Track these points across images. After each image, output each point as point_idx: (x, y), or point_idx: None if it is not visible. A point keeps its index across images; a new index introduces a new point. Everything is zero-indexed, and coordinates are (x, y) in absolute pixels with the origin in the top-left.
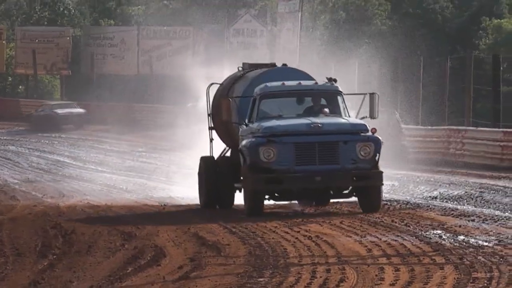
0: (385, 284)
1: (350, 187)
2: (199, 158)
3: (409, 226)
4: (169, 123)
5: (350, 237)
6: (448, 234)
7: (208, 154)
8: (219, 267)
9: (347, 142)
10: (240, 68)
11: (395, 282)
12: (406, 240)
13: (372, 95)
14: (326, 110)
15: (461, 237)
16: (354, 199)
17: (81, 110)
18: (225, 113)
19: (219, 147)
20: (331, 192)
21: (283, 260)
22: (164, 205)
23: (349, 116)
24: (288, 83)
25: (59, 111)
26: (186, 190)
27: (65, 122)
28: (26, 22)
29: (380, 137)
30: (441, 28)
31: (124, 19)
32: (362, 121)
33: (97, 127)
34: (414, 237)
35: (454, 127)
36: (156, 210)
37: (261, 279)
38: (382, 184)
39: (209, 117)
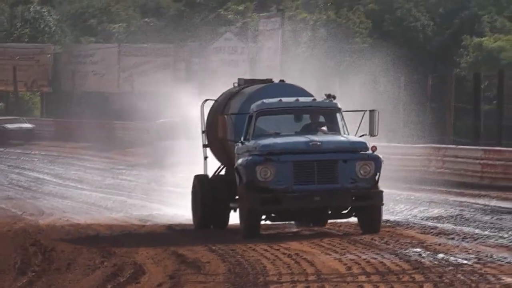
0: None
1: (350, 207)
2: (193, 176)
3: (388, 244)
4: (151, 140)
5: (330, 255)
6: (427, 252)
7: (202, 172)
8: (199, 285)
9: (346, 161)
10: (236, 84)
11: None
12: (385, 258)
13: (372, 112)
14: (325, 127)
15: (441, 255)
16: (353, 219)
17: (29, 125)
18: (221, 130)
19: (213, 165)
20: (330, 212)
21: (263, 278)
22: (144, 222)
23: (348, 134)
24: (286, 99)
25: (9, 126)
26: (166, 208)
27: (14, 137)
28: (6, 39)
29: (380, 156)
30: (422, 46)
31: (105, 37)
32: (361, 139)
33: (77, 144)
34: (394, 255)
35: (435, 145)
36: (136, 228)
37: None
38: (383, 204)
39: (203, 134)
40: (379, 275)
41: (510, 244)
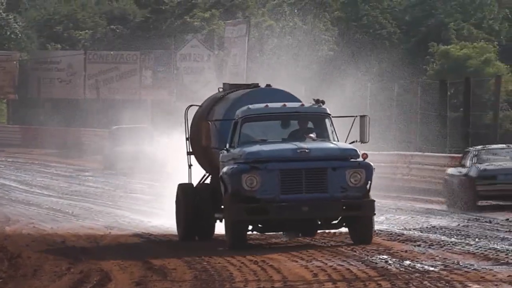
0: None
1: (340, 217)
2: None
3: (355, 251)
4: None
5: (296, 261)
6: (394, 259)
7: (186, 181)
8: None
9: (336, 169)
10: (221, 89)
11: None
12: (352, 265)
13: (362, 117)
14: (313, 134)
15: (407, 262)
16: (344, 229)
17: None
18: (204, 137)
19: (198, 174)
20: (319, 222)
21: (229, 285)
22: (110, 229)
23: (338, 141)
24: (272, 105)
25: None
26: (132, 214)
27: None
28: None
29: (371, 163)
30: (389, 54)
31: (71, 44)
32: (351, 146)
33: (43, 151)
34: (360, 262)
35: (401, 152)
36: (102, 235)
37: None
38: (374, 214)
39: (187, 142)
40: (346, 282)
41: (476, 251)
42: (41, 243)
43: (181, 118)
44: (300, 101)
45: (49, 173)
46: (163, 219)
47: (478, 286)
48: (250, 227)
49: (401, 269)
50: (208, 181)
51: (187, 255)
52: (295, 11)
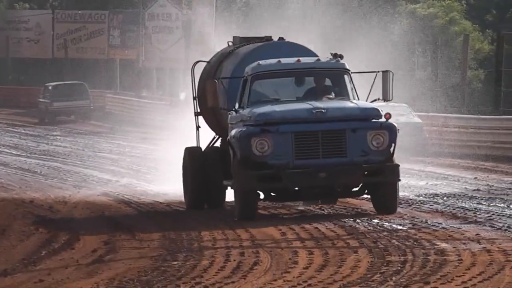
0: (299, 268)
1: (361, 184)
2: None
3: (323, 210)
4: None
5: (266, 221)
6: (362, 218)
7: (194, 144)
8: (133, 251)
9: (356, 130)
10: (231, 43)
11: (309, 265)
12: (320, 224)
13: (385, 73)
14: (331, 95)
15: (376, 221)
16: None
17: None
18: (211, 97)
19: (208, 136)
20: (338, 190)
21: (197, 244)
22: (79, 188)
23: (358, 99)
24: (285, 60)
25: None
26: (100, 174)
27: None
28: None
29: (395, 124)
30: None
31: (39, 3)
32: (373, 105)
33: (12, 111)
34: (328, 221)
35: None
36: (71, 194)
37: (175, 263)
38: (399, 180)
39: (195, 101)
40: (314, 241)
41: (444, 209)
42: (10, 203)
43: (149, 77)
44: (316, 56)
45: (18, 132)
46: (131, 178)
47: (446, 245)
48: (262, 196)
49: (370, 227)
50: (218, 144)
51: (155, 215)
52: None
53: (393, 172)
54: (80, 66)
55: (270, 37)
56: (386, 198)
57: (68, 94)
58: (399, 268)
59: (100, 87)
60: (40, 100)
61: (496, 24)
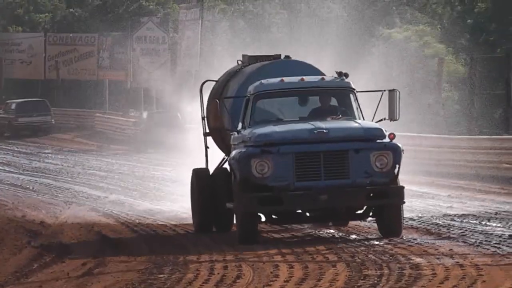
0: (280, 281)
1: (365, 207)
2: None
3: (303, 226)
4: (75, 126)
5: None
6: (340, 233)
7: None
8: (121, 264)
9: (359, 151)
10: (240, 62)
11: (290, 278)
12: (300, 239)
13: (392, 92)
14: (338, 112)
15: (353, 236)
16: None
17: None
18: (213, 117)
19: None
20: (342, 212)
21: (183, 258)
22: (69, 204)
23: (363, 119)
24: (288, 79)
25: None
26: (90, 190)
27: None
28: None
29: (400, 144)
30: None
31: (32, 26)
32: (377, 125)
33: None
34: (309, 236)
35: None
36: (61, 209)
37: (161, 275)
38: (404, 202)
39: (203, 121)
40: (294, 255)
41: (419, 226)
42: (2, 218)
43: (137, 98)
44: (323, 74)
45: (11, 150)
46: (119, 195)
47: (420, 259)
48: (263, 219)
49: (347, 242)
50: (227, 165)
51: (142, 230)
52: None
53: (398, 195)
54: (71, 87)
55: (279, 55)
56: (391, 221)
57: (31, 110)
58: (375, 281)
59: (90, 107)
60: (2, 116)
61: (470, 48)
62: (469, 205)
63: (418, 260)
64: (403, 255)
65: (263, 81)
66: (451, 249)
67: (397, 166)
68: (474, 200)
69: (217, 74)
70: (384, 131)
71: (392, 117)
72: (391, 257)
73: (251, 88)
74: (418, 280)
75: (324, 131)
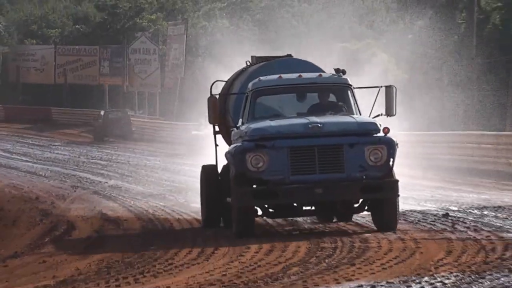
0: (251, 252)
1: (361, 200)
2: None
3: (305, 220)
4: (80, 123)
5: None
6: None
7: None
8: (118, 238)
9: (353, 145)
10: (249, 63)
11: (259, 250)
12: (270, 219)
13: (388, 88)
14: (336, 108)
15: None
16: None
17: None
18: (211, 114)
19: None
20: (338, 206)
21: (169, 233)
22: (75, 188)
23: (360, 114)
24: (286, 76)
25: None
26: (93, 176)
27: None
28: None
29: (394, 139)
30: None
31: (44, 40)
32: (371, 120)
33: (22, 126)
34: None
35: None
36: (68, 192)
37: (152, 247)
38: (398, 196)
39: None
40: (263, 231)
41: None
42: (19, 199)
43: (131, 99)
44: (322, 71)
45: (26, 143)
46: (117, 180)
47: (368, 235)
48: (260, 212)
49: (308, 221)
50: None
51: (136, 209)
52: (224, 14)
53: (392, 188)
54: (76, 90)
55: (290, 54)
56: (386, 215)
57: None
58: (331, 252)
59: (92, 107)
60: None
61: (411, 58)
62: (409, 189)
63: (366, 235)
64: (354, 231)
65: (261, 78)
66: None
67: (392, 160)
68: (416, 186)
69: (199, 80)
70: (379, 126)
71: (389, 112)
72: (344, 233)
73: (250, 85)
74: (366, 251)
75: (319, 125)
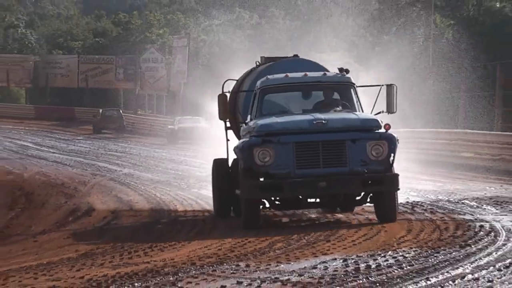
0: (242, 231)
1: (363, 193)
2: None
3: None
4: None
5: None
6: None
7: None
8: (131, 217)
9: (356, 141)
10: (258, 63)
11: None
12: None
13: (389, 86)
14: (339, 105)
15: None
16: None
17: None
18: (221, 110)
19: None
20: (341, 198)
21: (174, 213)
22: (94, 175)
23: (363, 111)
24: (292, 75)
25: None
26: (110, 166)
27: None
28: (2, 51)
29: (395, 135)
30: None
31: (69, 50)
32: (373, 116)
33: (50, 123)
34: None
35: None
36: (89, 179)
37: (159, 226)
38: (398, 189)
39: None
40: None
41: None
42: (47, 185)
43: (142, 101)
44: (327, 71)
45: (54, 137)
46: (130, 169)
47: (341, 215)
48: (267, 204)
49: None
50: None
51: (145, 194)
52: (220, 29)
53: (393, 182)
54: (96, 93)
55: (297, 55)
56: (386, 207)
57: None
58: (309, 231)
59: (109, 107)
60: None
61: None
62: None
63: (339, 215)
64: (329, 212)
65: (269, 76)
66: (362, 208)
67: (392, 155)
68: None
69: (199, 85)
70: (380, 122)
71: (390, 110)
72: (320, 214)
73: (258, 83)
74: (339, 230)
75: (323, 121)
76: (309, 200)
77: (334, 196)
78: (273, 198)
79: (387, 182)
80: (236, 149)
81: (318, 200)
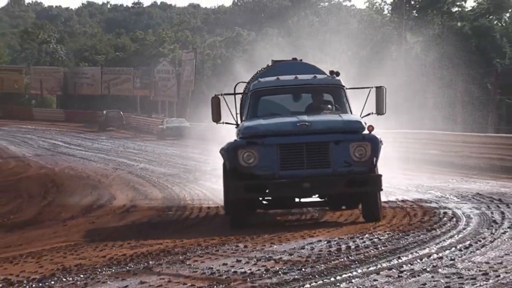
0: (191, 217)
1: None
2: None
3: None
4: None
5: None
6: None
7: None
8: (146, 205)
9: (339, 142)
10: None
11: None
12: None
13: (379, 88)
14: (329, 107)
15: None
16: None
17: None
18: (214, 112)
19: None
20: (325, 198)
21: (183, 202)
22: (116, 169)
23: (352, 113)
24: (284, 77)
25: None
26: (129, 161)
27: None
28: (36, 63)
29: (378, 136)
30: None
31: (94, 63)
32: (357, 118)
33: (77, 125)
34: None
35: None
36: (111, 172)
37: (170, 212)
38: (381, 190)
39: (237, 116)
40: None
41: None
42: (75, 177)
43: (156, 106)
44: (324, 74)
45: (80, 137)
46: (146, 164)
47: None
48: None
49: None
50: None
51: (159, 184)
52: (222, 45)
53: (376, 182)
54: (116, 100)
55: (295, 59)
56: (371, 206)
57: None
58: (298, 217)
59: (129, 111)
60: None
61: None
62: None
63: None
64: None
65: (260, 79)
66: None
67: (375, 156)
68: None
69: (205, 92)
70: (364, 124)
71: (379, 111)
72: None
73: (250, 86)
74: (324, 216)
75: (307, 123)
76: (296, 199)
77: (337, 195)
78: (261, 199)
79: (371, 182)
80: (222, 151)
81: (320, 200)
